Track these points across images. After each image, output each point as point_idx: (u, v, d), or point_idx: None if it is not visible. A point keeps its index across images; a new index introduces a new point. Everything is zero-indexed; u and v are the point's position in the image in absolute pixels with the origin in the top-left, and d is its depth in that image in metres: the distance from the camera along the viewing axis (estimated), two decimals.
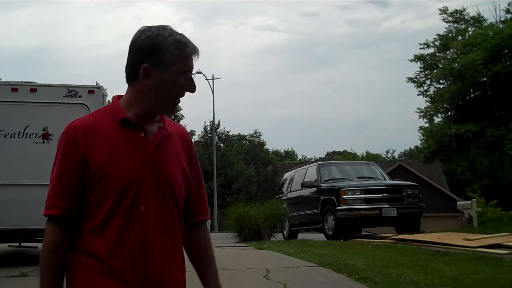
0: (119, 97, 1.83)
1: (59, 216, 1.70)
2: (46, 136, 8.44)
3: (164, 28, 1.77)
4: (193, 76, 1.82)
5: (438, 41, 17.64)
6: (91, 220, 1.70)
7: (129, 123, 1.75)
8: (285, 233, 14.44)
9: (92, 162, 1.69)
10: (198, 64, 1.85)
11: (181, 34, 1.78)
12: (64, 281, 1.75)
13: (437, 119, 17.82)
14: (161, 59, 1.72)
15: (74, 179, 1.70)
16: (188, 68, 1.76)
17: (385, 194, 12.42)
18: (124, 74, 1.80)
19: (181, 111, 51.90)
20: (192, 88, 1.79)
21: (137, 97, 1.77)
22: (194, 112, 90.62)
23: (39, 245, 10.44)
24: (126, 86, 1.82)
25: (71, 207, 1.70)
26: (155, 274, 1.72)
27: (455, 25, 18.04)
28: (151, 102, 1.76)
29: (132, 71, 1.76)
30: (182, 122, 52.75)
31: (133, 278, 1.68)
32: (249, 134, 48.91)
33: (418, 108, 17.86)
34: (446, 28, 18.15)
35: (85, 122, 1.76)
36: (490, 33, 15.43)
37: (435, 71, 17.19)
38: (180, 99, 1.80)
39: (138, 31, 1.78)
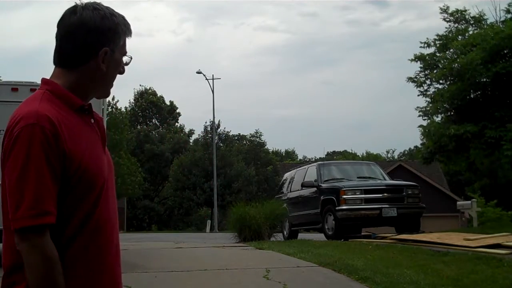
0: (53, 82, 1.63)
1: (50, 225, 1.45)
2: None
3: (105, 6, 1.68)
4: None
5: (438, 42, 17.63)
6: (69, 223, 1.52)
7: (83, 109, 1.62)
8: (285, 233, 14.44)
9: (73, 157, 1.50)
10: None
11: (121, 14, 1.71)
12: None
13: (437, 119, 17.82)
14: (118, 42, 1.66)
15: (58, 179, 1.48)
16: (126, 46, 1.71)
17: (385, 194, 12.42)
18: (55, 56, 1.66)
19: (178, 109, 52.18)
20: (124, 70, 1.71)
21: (83, 81, 1.62)
22: (194, 112, 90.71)
23: None
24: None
25: (56, 212, 1.48)
26: (116, 270, 1.65)
27: (456, 24, 18.03)
28: (99, 86, 1.66)
29: (85, 54, 1.60)
30: (180, 121, 52.75)
31: (94, 279, 1.57)
32: (250, 134, 48.96)
33: (418, 107, 17.87)
34: (446, 28, 18.16)
35: (50, 112, 1.52)
36: (490, 33, 15.41)
37: (435, 71, 17.19)
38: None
39: (82, 8, 1.62)
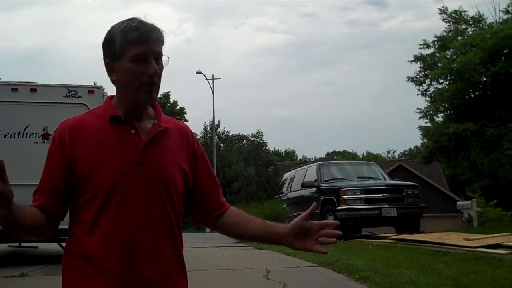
0: (112, 97, 1.81)
1: (38, 206, 1.74)
2: (46, 136, 8.44)
3: (122, 20, 1.73)
4: (165, 59, 1.75)
5: (437, 43, 17.63)
6: (82, 221, 1.70)
7: (119, 120, 1.72)
8: None
9: (78, 162, 1.68)
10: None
11: (139, 21, 1.72)
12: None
13: (437, 119, 17.82)
14: (113, 50, 1.71)
15: (56, 179, 1.71)
16: (141, 51, 1.69)
17: (385, 194, 12.43)
18: None
19: (185, 115, 52.00)
20: (152, 71, 1.69)
21: (118, 94, 1.77)
22: (194, 112, 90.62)
23: (39, 245, 10.45)
24: None
25: (52, 203, 1.72)
26: (143, 275, 1.67)
27: (455, 25, 18.03)
28: (127, 96, 1.73)
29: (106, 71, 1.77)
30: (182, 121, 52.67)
31: (118, 278, 1.65)
32: (251, 134, 48.95)
33: (418, 108, 17.85)
34: (445, 28, 18.17)
35: (75, 121, 1.75)
36: (489, 34, 15.41)
37: (434, 71, 17.18)
38: (156, 86, 1.72)
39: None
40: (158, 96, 1.78)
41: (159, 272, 1.70)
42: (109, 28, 1.76)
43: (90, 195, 1.68)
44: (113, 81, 1.76)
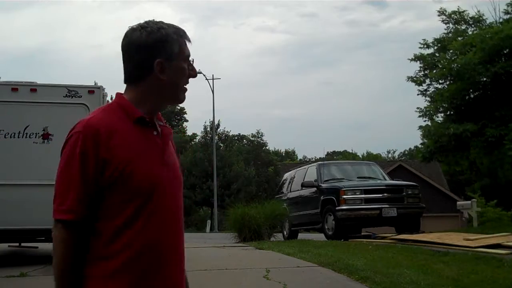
0: (120, 95, 1.79)
1: (75, 222, 1.61)
2: (46, 136, 8.44)
3: (155, 22, 1.79)
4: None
5: (437, 44, 17.63)
6: (111, 222, 1.64)
7: (144, 121, 1.73)
8: (285, 233, 14.44)
9: (113, 163, 1.62)
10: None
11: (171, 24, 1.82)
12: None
13: (437, 119, 17.80)
14: (171, 50, 1.75)
15: (93, 183, 1.62)
16: (189, 53, 1.80)
17: (385, 194, 12.42)
18: (122, 76, 1.79)
19: (185, 115, 52.00)
20: (195, 72, 1.82)
21: (147, 94, 1.74)
22: (194, 112, 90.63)
23: (39, 245, 10.44)
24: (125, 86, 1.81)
25: (87, 213, 1.62)
26: (170, 275, 1.71)
27: (455, 26, 18.02)
28: (166, 96, 1.77)
29: (141, 70, 1.74)
30: (185, 124, 52.76)
31: (146, 281, 1.65)
32: (251, 134, 48.92)
33: (417, 108, 17.85)
34: (445, 29, 18.16)
35: (101, 121, 1.67)
36: (489, 34, 15.40)
37: (434, 71, 17.17)
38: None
39: (133, 30, 1.76)
40: None
41: (181, 274, 1.77)
42: (136, 28, 1.76)
43: (127, 197, 1.64)
44: (151, 81, 1.73)
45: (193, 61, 1.81)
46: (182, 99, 1.81)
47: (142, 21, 1.79)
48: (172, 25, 1.80)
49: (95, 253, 1.64)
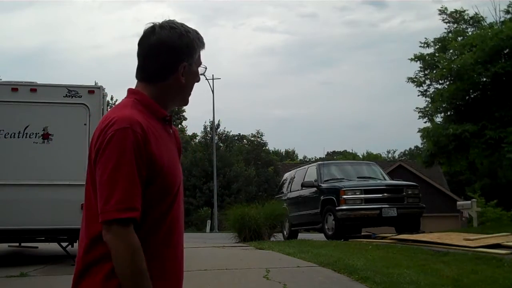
0: (138, 91, 1.77)
1: (135, 219, 1.57)
2: (46, 136, 8.44)
3: (181, 24, 1.81)
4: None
5: (437, 44, 17.61)
6: (145, 222, 1.62)
7: (164, 120, 1.78)
8: (285, 233, 14.44)
9: (157, 161, 1.64)
10: None
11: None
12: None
13: (436, 119, 17.79)
14: (194, 56, 1.80)
15: (143, 179, 1.60)
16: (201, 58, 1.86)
17: (385, 194, 12.42)
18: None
19: (184, 113, 52.00)
20: (199, 78, 1.86)
21: (164, 94, 1.77)
22: (194, 112, 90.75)
23: (39, 245, 10.45)
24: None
25: (140, 209, 1.60)
26: (181, 272, 1.79)
27: (455, 25, 18.00)
28: (178, 97, 1.81)
29: (165, 70, 1.74)
30: (185, 123, 52.78)
31: (172, 276, 1.73)
32: (251, 134, 48.92)
33: (417, 108, 17.83)
34: (445, 28, 18.15)
35: (139, 117, 1.65)
36: (489, 34, 15.40)
37: (434, 71, 17.16)
38: None
39: (161, 28, 1.75)
40: None
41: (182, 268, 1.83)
42: (165, 26, 1.76)
43: (163, 194, 1.67)
44: (171, 81, 1.75)
45: (205, 68, 1.89)
46: (187, 102, 1.86)
47: (164, 20, 1.80)
48: (194, 30, 1.83)
49: None
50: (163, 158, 1.66)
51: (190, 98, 1.86)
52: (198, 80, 1.85)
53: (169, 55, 1.74)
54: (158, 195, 1.65)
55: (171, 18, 1.81)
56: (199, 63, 1.83)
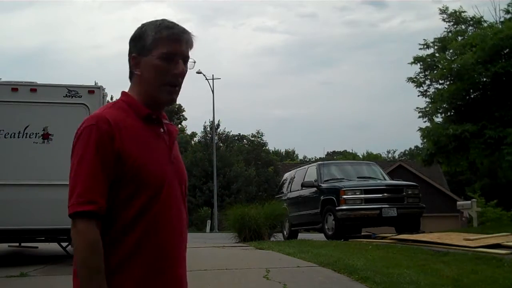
0: (125, 93, 1.80)
1: (95, 212, 1.58)
2: (46, 136, 8.44)
3: (157, 19, 1.77)
4: (191, 63, 1.79)
5: (437, 44, 17.61)
6: (119, 218, 1.64)
7: (151, 119, 1.74)
8: (285, 233, 14.43)
9: (126, 157, 1.63)
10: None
11: (171, 22, 1.77)
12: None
13: (436, 119, 17.79)
14: (143, 45, 1.73)
15: (109, 174, 1.61)
16: (172, 50, 1.72)
17: (385, 194, 12.41)
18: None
19: (184, 113, 52.02)
20: (179, 71, 1.72)
21: (138, 91, 1.75)
22: (194, 112, 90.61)
23: (39, 245, 10.45)
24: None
25: (105, 204, 1.61)
26: (176, 272, 1.73)
27: (455, 26, 18.00)
28: (149, 93, 1.73)
29: (129, 65, 1.78)
30: (184, 123, 52.75)
31: (156, 274, 1.67)
32: (251, 134, 48.91)
33: (417, 108, 17.83)
34: (445, 28, 18.14)
35: (111, 115, 1.67)
36: (489, 34, 15.39)
37: (434, 71, 17.15)
38: (178, 88, 1.76)
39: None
40: None
41: (185, 269, 1.78)
42: (139, 25, 1.78)
43: (135, 191, 1.64)
44: (134, 76, 1.75)
45: (186, 59, 1.75)
46: (163, 99, 1.75)
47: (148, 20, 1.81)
48: (165, 21, 1.76)
49: (107, 249, 1.63)
50: (137, 155, 1.64)
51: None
52: (174, 75, 1.72)
53: (128, 49, 1.77)
54: (131, 191, 1.63)
55: (171, 18, 1.80)
56: (159, 55, 1.71)
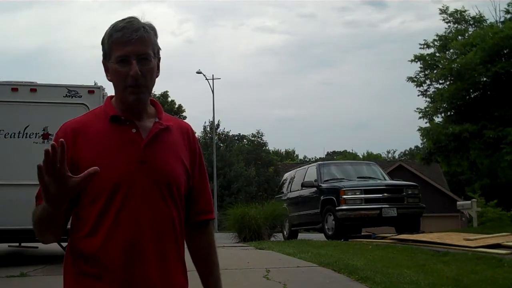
0: (112, 97, 1.82)
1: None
2: (46, 136, 8.44)
3: (119, 20, 1.74)
4: (154, 59, 1.74)
5: (438, 42, 17.61)
6: (85, 222, 1.68)
7: (119, 120, 1.73)
8: (285, 233, 14.43)
9: (81, 163, 1.65)
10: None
11: (127, 21, 1.72)
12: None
13: (437, 119, 17.80)
14: (105, 50, 1.75)
15: None
16: (123, 53, 1.69)
17: (385, 194, 12.41)
18: None
19: (184, 113, 51.97)
20: (132, 72, 1.68)
21: (115, 93, 1.78)
22: (194, 112, 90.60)
23: (39, 245, 10.44)
24: None
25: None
26: (147, 274, 1.67)
27: (456, 25, 18.00)
28: (119, 96, 1.76)
29: None
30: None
31: (122, 278, 1.65)
32: (252, 134, 48.92)
33: (417, 108, 17.83)
34: (446, 28, 18.14)
35: (76, 122, 1.76)
36: (489, 34, 15.39)
37: (435, 71, 17.16)
38: (142, 88, 1.71)
39: None
40: (156, 95, 1.78)
41: (162, 272, 1.70)
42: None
43: (93, 195, 1.67)
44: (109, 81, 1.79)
45: (143, 56, 1.70)
46: (129, 101, 1.72)
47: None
48: (116, 23, 1.73)
49: (73, 250, 1.72)
50: (90, 159, 1.66)
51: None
52: (132, 77, 1.68)
53: None
54: (90, 196, 1.68)
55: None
56: (115, 59, 1.70)
